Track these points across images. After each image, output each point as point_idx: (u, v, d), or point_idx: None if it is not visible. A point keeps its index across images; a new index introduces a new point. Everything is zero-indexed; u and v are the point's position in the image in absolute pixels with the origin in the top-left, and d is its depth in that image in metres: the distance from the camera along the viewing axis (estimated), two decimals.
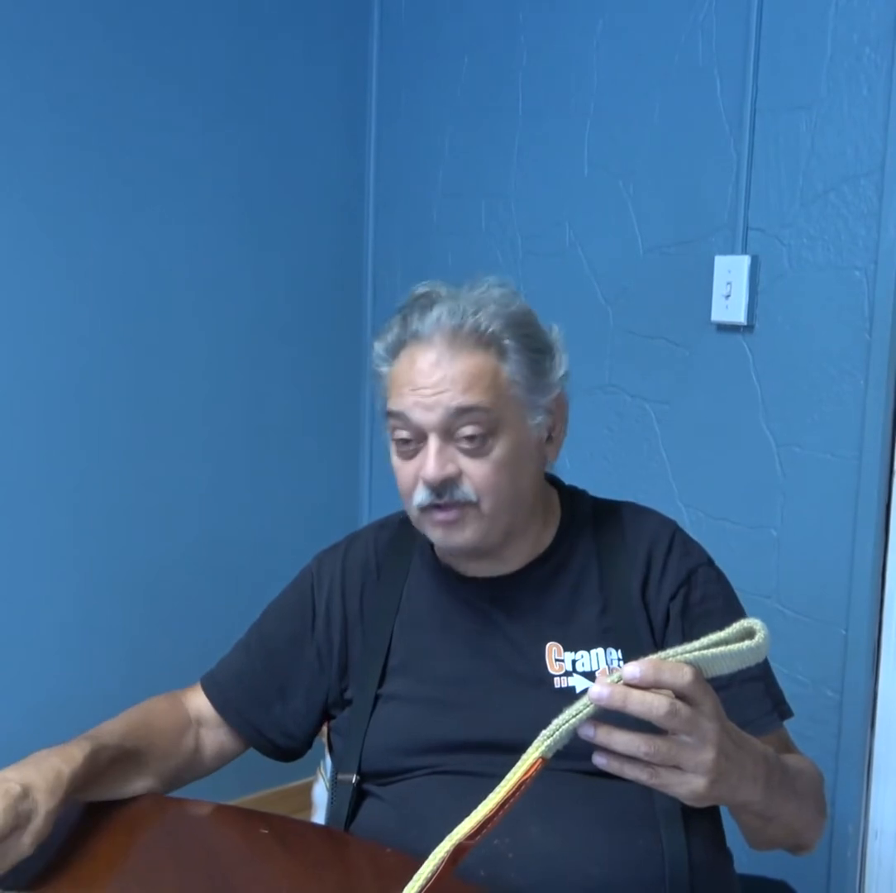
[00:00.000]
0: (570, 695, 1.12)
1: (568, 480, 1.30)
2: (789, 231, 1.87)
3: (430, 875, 0.84)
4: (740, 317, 1.92)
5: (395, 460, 1.17)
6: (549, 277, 2.27)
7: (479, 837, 0.84)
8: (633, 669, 0.80)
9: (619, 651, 1.15)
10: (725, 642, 0.84)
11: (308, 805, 2.29)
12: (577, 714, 0.81)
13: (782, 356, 1.89)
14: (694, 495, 2.04)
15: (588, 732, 0.81)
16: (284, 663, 1.26)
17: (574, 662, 1.15)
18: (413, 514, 1.17)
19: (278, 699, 1.26)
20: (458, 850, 0.84)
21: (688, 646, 0.84)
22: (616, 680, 0.81)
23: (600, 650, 1.15)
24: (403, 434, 1.15)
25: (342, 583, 1.27)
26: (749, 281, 1.91)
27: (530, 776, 0.82)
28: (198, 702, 1.29)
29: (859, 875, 1.83)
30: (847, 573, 1.80)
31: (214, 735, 1.29)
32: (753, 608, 1.13)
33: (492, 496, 1.13)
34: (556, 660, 1.15)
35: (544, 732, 0.82)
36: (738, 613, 1.18)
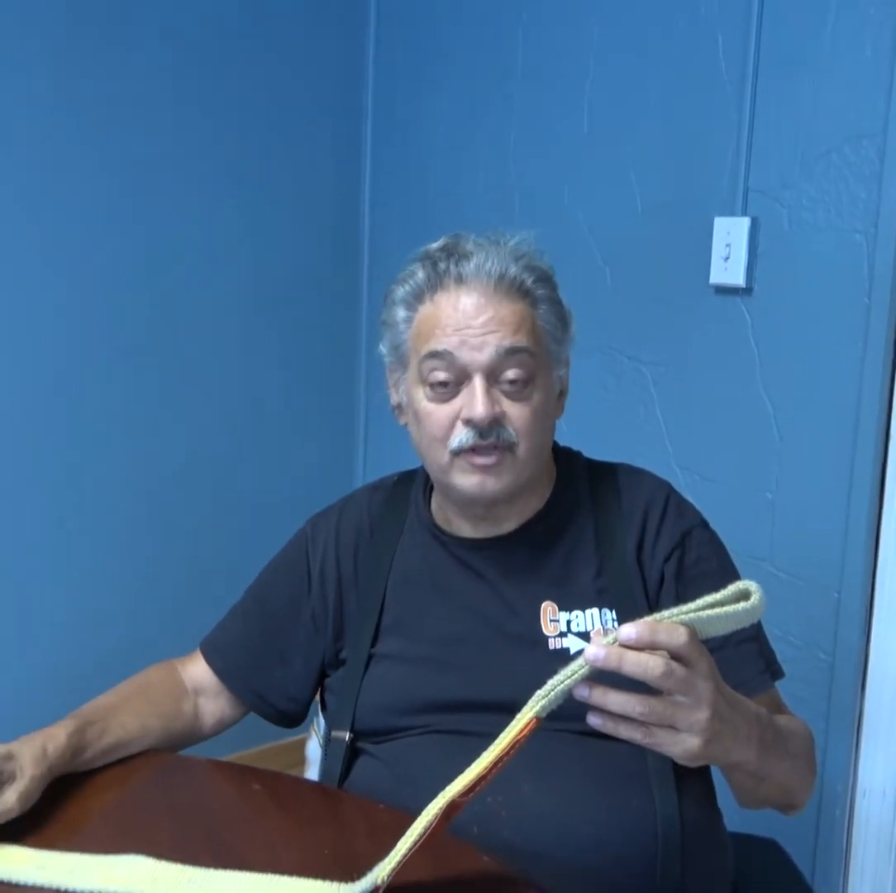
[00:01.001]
0: (565, 656, 1.12)
1: (563, 441, 1.29)
2: (790, 193, 1.85)
3: (423, 831, 0.85)
4: (739, 279, 1.91)
5: (426, 405, 1.15)
6: (547, 237, 2.24)
7: (471, 795, 0.84)
8: (629, 630, 0.80)
9: (614, 612, 1.15)
10: (721, 603, 0.84)
11: (301, 761, 2.30)
12: (572, 675, 0.81)
13: (781, 319, 1.89)
14: (689, 458, 2.04)
15: (583, 693, 0.81)
16: (282, 626, 1.27)
17: (569, 622, 1.15)
18: (442, 460, 1.15)
19: (279, 663, 1.27)
20: (452, 807, 0.85)
21: (683, 607, 0.84)
22: (611, 641, 0.81)
23: (595, 611, 1.16)
24: (442, 376, 1.13)
25: (336, 544, 1.27)
26: (748, 243, 1.90)
27: (524, 735, 0.83)
28: (196, 671, 1.29)
29: (847, 833, 1.86)
30: (841, 537, 1.81)
31: (214, 704, 1.29)
32: (747, 570, 1.13)
33: (529, 441, 1.14)
34: (551, 620, 1.16)
35: (539, 692, 0.83)
36: (732, 574, 1.18)
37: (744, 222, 1.90)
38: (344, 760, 1.17)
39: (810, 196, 1.83)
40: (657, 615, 0.83)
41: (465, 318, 1.12)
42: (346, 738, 1.17)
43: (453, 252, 1.16)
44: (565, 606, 1.16)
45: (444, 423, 1.14)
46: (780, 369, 1.89)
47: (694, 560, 1.18)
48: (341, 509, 1.30)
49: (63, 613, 2.36)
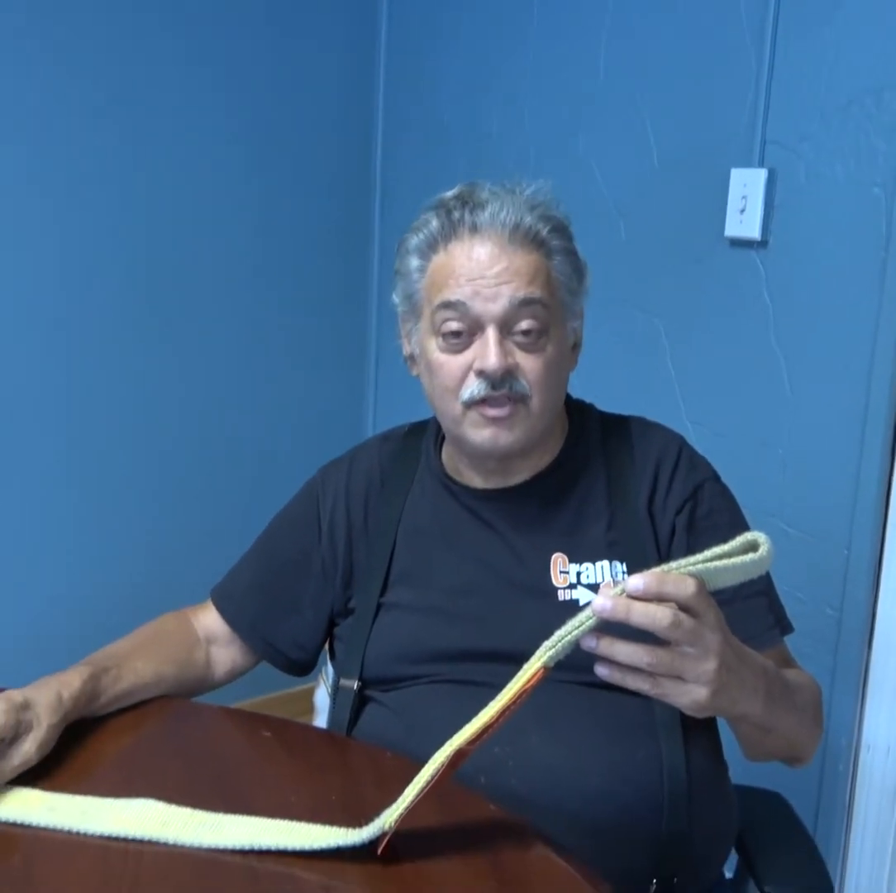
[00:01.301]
0: (574, 607, 1.12)
1: (573, 394, 1.29)
2: (808, 144, 1.82)
3: (430, 778, 0.86)
4: (754, 232, 1.89)
5: (439, 356, 1.14)
6: (562, 187, 2.21)
7: (478, 743, 0.85)
8: (637, 581, 0.80)
9: (624, 564, 1.15)
10: (729, 555, 0.84)
11: (309, 709, 2.32)
12: (579, 626, 0.82)
13: (795, 273, 1.87)
14: (701, 412, 2.03)
15: (591, 643, 0.81)
16: (293, 576, 1.27)
17: (579, 574, 1.15)
18: (454, 412, 1.14)
19: (289, 612, 1.27)
20: (458, 755, 0.85)
21: (691, 558, 0.84)
22: (619, 592, 0.81)
23: (605, 563, 1.15)
24: (455, 326, 1.12)
25: (346, 494, 1.27)
26: (765, 195, 1.87)
27: (532, 685, 0.83)
28: (208, 619, 1.30)
29: (850, 787, 1.87)
30: (852, 493, 1.80)
31: (226, 652, 1.29)
32: (757, 525, 1.12)
33: (542, 394, 1.13)
34: (561, 572, 1.16)
35: (547, 642, 0.83)
36: (742, 528, 1.18)
37: (760, 174, 1.87)
38: (352, 708, 1.18)
39: (829, 148, 1.80)
40: (665, 566, 0.83)
41: (479, 268, 1.11)
42: (355, 686, 1.18)
43: (468, 201, 1.14)
44: (575, 558, 1.16)
45: (456, 374, 1.13)
46: (794, 323, 1.88)
47: (705, 513, 1.18)
48: (352, 459, 1.30)
49: (74, 556, 2.38)
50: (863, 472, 1.79)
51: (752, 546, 0.85)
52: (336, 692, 1.22)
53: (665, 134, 2.06)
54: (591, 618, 0.81)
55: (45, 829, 0.92)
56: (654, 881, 1.07)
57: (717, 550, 0.84)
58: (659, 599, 0.81)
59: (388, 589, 1.21)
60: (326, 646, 1.31)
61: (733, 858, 1.24)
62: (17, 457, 2.28)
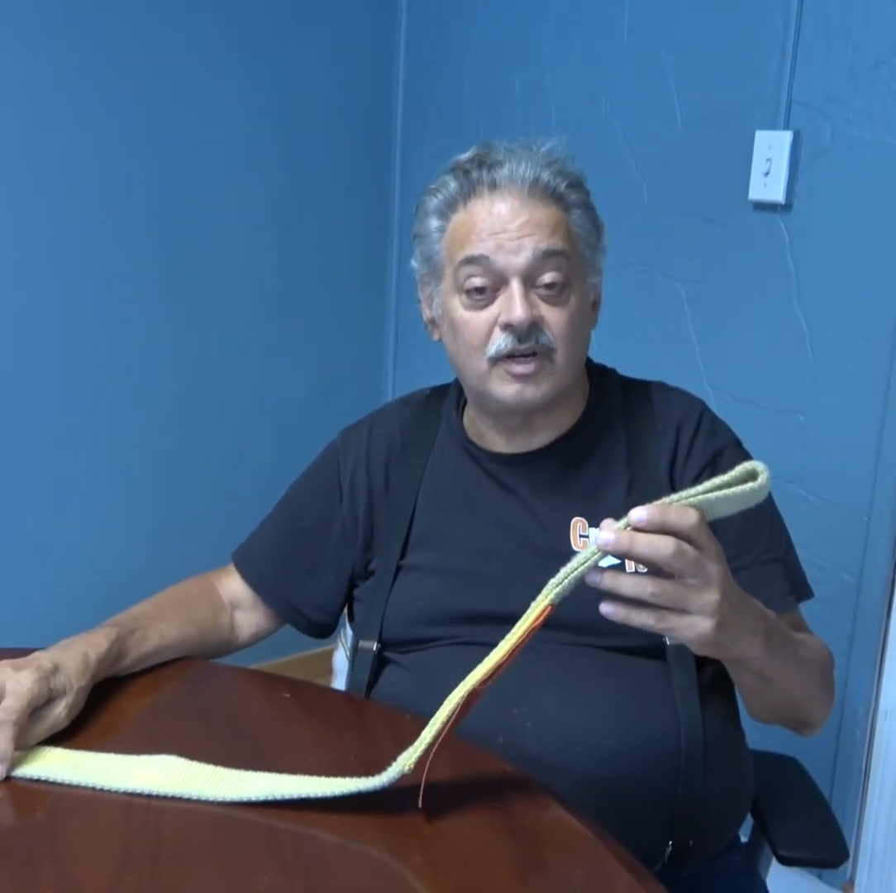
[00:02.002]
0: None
1: (595, 358, 1.28)
2: (834, 106, 1.80)
3: (446, 719, 0.87)
4: (779, 195, 1.87)
5: (463, 314, 1.14)
6: (583, 149, 2.18)
7: (489, 682, 0.86)
8: (640, 512, 0.80)
9: None
10: (728, 485, 0.84)
11: (327, 671, 2.34)
12: (585, 562, 0.82)
13: (820, 237, 1.85)
14: (722, 378, 2.02)
15: (595, 578, 0.81)
16: (314, 539, 1.27)
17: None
18: (480, 369, 1.14)
19: (311, 575, 1.27)
20: (472, 695, 0.87)
21: (691, 490, 0.84)
22: (623, 526, 0.81)
23: None
24: (479, 282, 1.12)
25: (367, 458, 1.27)
26: (790, 158, 1.85)
27: (539, 623, 0.84)
28: (231, 584, 1.31)
29: (866, 753, 1.87)
30: (873, 460, 1.79)
31: (251, 616, 1.30)
32: (777, 492, 1.11)
33: (567, 347, 1.13)
34: (581, 536, 1.16)
35: (553, 580, 0.83)
36: None
37: (786, 136, 1.84)
38: (371, 669, 1.19)
39: (856, 110, 1.77)
40: (666, 499, 0.83)
41: (501, 222, 1.11)
42: (374, 648, 1.19)
43: (485, 160, 1.14)
44: (595, 522, 1.15)
45: (482, 330, 1.13)
46: (818, 288, 1.86)
47: None
48: (372, 423, 1.30)
49: (97, 519, 2.40)
50: (884, 439, 1.78)
51: (752, 475, 0.84)
52: (355, 653, 1.22)
53: (689, 95, 2.03)
54: (595, 554, 0.81)
55: (68, 786, 0.93)
56: (670, 843, 1.08)
57: (716, 480, 0.84)
58: (661, 531, 0.81)
59: (408, 552, 1.21)
60: (345, 609, 1.32)
61: (748, 822, 1.24)
62: (38, 422, 2.29)
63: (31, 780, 0.93)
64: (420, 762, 0.88)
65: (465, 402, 1.26)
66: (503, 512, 1.19)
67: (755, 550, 1.14)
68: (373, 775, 0.91)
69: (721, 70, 1.97)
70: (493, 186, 1.12)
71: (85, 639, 1.08)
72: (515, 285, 1.10)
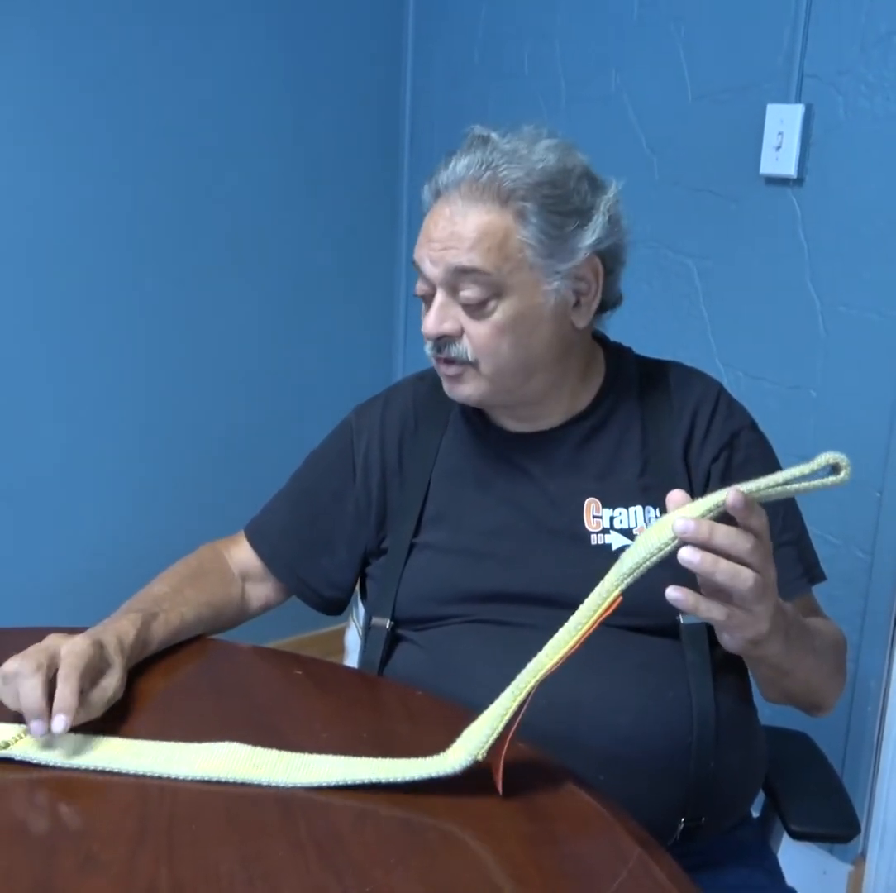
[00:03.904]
0: (607, 552, 1.12)
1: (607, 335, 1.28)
2: (847, 78, 1.78)
3: (517, 708, 0.88)
4: (790, 170, 1.85)
5: (423, 309, 1.17)
6: (593, 123, 2.18)
7: (555, 670, 0.87)
8: (736, 498, 0.79)
9: (657, 510, 1.14)
10: (807, 477, 0.82)
11: (339, 650, 2.35)
12: (659, 551, 0.80)
13: (832, 212, 1.83)
14: (733, 354, 2.01)
15: (693, 558, 0.80)
16: (327, 515, 1.27)
17: (612, 518, 1.15)
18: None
19: (323, 551, 1.28)
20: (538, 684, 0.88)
21: (770, 479, 0.82)
22: (703, 513, 0.79)
23: (639, 508, 1.15)
24: (421, 286, 1.15)
25: (381, 435, 1.26)
26: (801, 131, 1.83)
27: (609, 612, 0.84)
28: (243, 555, 1.31)
29: (878, 728, 1.88)
30: (885, 435, 1.78)
31: (261, 588, 1.31)
32: (789, 468, 1.12)
33: (490, 359, 1.12)
34: (594, 516, 1.15)
35: (621, 570, 0.82)
36: None
37: (797, 109, 1.83)
38: (384, 646, 1.19)
39: (868, 82, 1.75)
40: (748, 486, 0.81)
41: (436, 229, 1.11)
42: (387, 625, 1.19)
43: (462, 148, 1.13)
44: (609, 502, 1.16)
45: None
46: (830, 263, 1.85)
47: (741, 461, 1.17)
48: (386, 400, 1.30)
49: (106, 492, 2.41)
50: None
51: (835, 469, 0.82)
52: (368, 630, 1.23)
53: (700, 68, 2.01)
54: (671, 541, 0.79)
55: (134, 775, 0.92)
56: (682, 819, 1.08)
57: (795, 470, 0.81)
58: (744, 521, 0.81)
59: (422, 530, 1.21)
60: (357, 587, 1.32)
61: (760, 797, 1.24)
62: (49, 402, 2.30)
63: (93, 770, 0.93)
64: (496, 750, 0.89)
65: None
66: (516, 492, 1.19)
67: (771, 533, 1.14)
68: (386, 753, 0.92)
69: (731, 43, 1.95)
70: (440, 187, 1.12)
71: (113, 626, 1.08)
72: (438, 296, 1.12)
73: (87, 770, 0.93)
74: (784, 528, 1.15)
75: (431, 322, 1.12)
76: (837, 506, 1.84)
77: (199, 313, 2.47)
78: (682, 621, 1.10)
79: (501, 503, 1.19)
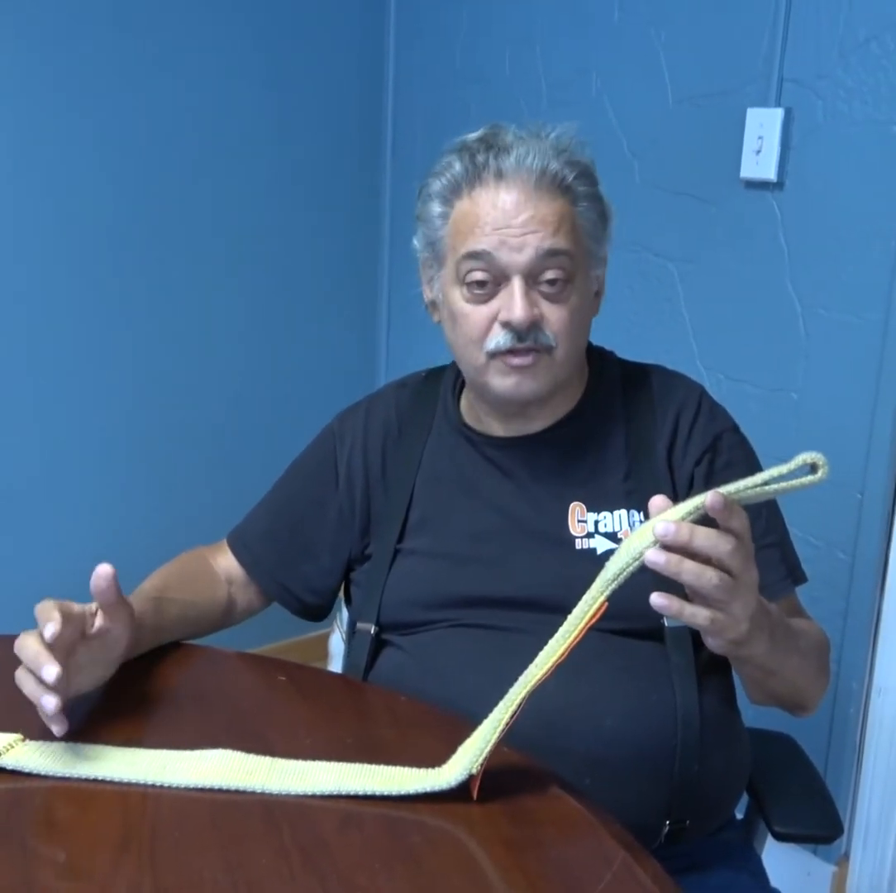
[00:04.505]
0: (591, 556, 1.13)
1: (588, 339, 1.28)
2: (826, 83, 1.79)
3: (509, 719, 0.88)
4: (770, 173, 1.86)
5: (463, 306, 1.13)
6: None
7: (545, 680, 0.88)
8: (715, 499, 0.79)
9: (642, 514, 1.14)
10: (785, 477, 0.82)
11: (323, 656, 2.34)
12: (640, 556, 0.80)
13: (812, 215, 1.84)
14: (715, 358, 2.02)
15: (658, 559, 0.80)
16: (310, 522, 1.27)
17: (596, 523, 1.15)
18: (477, 361, 1.14)
19: (305, 558, 1.27)
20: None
21: (749, 482, 0.82)
22: (683, 516, 0.79)
23: (623, 512, 1.15)
24: (480, 276, 1.11)
25: (364, 441, 1.26)
26: (781, 135, 1.84)
27: (596, 619, 0.84)
28: (226, 561, 1.30)
29: (860, 730, 1.88)
30: (866, 438, 1.79)
31: (244, 594, 1.30)
32: None
33: (567, 343, 1.12)
34: (579, 521, 1.15)
35: (606, 576, 0.82)
36: None
37: (777, 114, 1.84)
38: (369, 651, 1.19)
39: (847, 86, 1.76)
40: (727, 488, 0.82)
41: (505, 217, 1.09)
42: (372, 630, 1.19)
43: (493, 144, 1.11)
44: (593, 506, 1.16)
45: (481, 324, 1.12)
46: (810, 266, 1.86)
47: (724, 464, 1.18)
48: (368, 407, 1.29)
49: (92, 496, 2.40)
50: (877, 416, 1.78)
51: (812, 468, 0.82)
52: (352, 636, 1.23)
53: (680, 73, 2.02)
54: (651, 544, 0.80)
55: (129, 784, 0.91)
56: (667, 822, 1.08)
57: (774, 471, 0.82)
58: (725, 525, 0.81)
59: (406, 536, 1.21)
60: (341, 593, 1.32)
61: (744, 799, 1.25)
62: (35, 405, 2.28)
63: (85, 780, 0.92)
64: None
65: (463, 384, 1.25)
66: (501, 496, 1.19)
67: (752, 534, 1.14)
68: (370, 759, 0.92)
69: (712, 47, 1.96)
70: (500, 175, 1.10)
71: None
72: (517, 283, 1.09)
73: (79, 780, 0.92)
74: (767, 530, 1.16)
75: (523, 308, 1.08)
76: (819, 508, 1.85)
77: (182, 318, 2.46)
78: (666, 624, 1.10)
79: (486, 508, 1.19)
